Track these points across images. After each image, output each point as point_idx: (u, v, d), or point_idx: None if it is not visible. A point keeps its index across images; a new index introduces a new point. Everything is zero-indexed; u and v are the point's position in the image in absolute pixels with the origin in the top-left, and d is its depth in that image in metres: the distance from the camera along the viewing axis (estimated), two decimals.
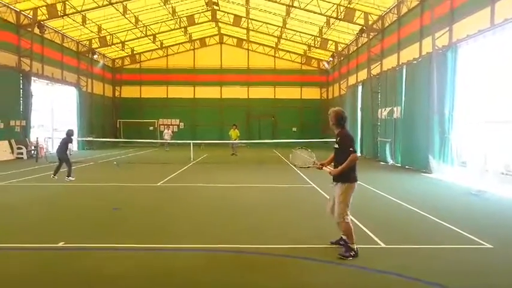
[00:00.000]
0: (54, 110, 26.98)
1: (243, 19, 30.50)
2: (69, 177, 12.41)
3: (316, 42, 30.95)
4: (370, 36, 23.06)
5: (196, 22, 31.44)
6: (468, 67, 13.98)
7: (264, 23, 30.14)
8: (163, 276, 4.70)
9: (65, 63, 28.17)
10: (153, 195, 10.53)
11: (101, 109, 34.13)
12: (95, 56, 31.74)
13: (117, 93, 38.29)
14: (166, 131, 30.35)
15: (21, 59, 22.50)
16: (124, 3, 24.74)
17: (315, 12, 24.08)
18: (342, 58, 31.59)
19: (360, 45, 26.88)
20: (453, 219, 7.39)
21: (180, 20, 30.64)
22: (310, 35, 30.06)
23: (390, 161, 19.32)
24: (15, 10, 22.10)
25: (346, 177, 5.37)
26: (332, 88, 36.21)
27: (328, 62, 34.70)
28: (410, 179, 14.06)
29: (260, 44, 36.58)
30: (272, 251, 5.58)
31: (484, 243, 5.99)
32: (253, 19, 30.13)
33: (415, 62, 17.21)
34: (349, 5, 22.28)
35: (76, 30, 27.47)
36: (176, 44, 36.78)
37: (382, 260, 5.28)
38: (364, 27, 22.76)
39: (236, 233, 6.62)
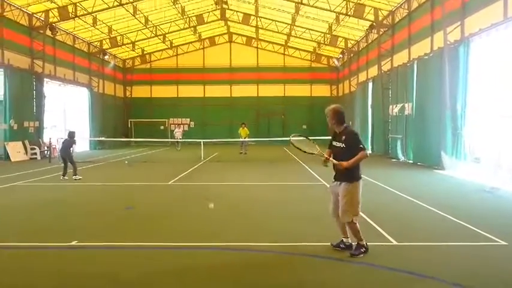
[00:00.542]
0: (66, 111, 27.35)
1: (252, 17, 30.47)
2: (77, 176, 12.55)
3: (325, 39, 30.76)
4: (381, 32, 22.84)
5: (205, 21, 31.52)
6: (481, 61, 13.75)
7: (273, 20, 30.06)
8: (178, 275, 4.73)
9: (76, 64, 28.50)
10: (165, 194, 10.60)
11: (112, 109, 34.45)
12: (106, 57, 32.03)
13: (128, 94, 38.61)
14: (177, 129, 30.55)
15: (34, 60, 22.83)
16: (134, 3, 24.93)
17: (324, 9, 23.95)
18: (351, 55, 31.37)
19: (370, 41, 26.63)
20: (466, 217, 7.29)
21: (190, 19, 30.75)
22: (320, 32, 29.90)
23: (402, 158, 19.14)
24: (27, 13, 22.43)
25: (351, 176, 5.09)
26: (342, 85, 35.99)
27: (338, 59, 34.48)
28: (422, 175, 13.91)
29: (269, 42, 36.51)
30: (281, 249, 5.58)
31: (498, 240, 5.89)
32: (262, 17, 30.07)
33: (426, 57, 17.00)
34: (358, 1, 22.11)
35: (87, 32, 27.77)
36: (186, 44, 36.92)
37: (393, 258, 5.24)
38: (374, 23, 22.55)
39: (248, 231, 6.63)
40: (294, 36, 32.70)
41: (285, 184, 12.04)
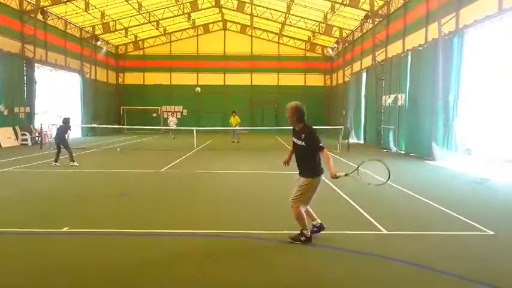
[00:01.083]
0: (57, 97, 27.01)
1: (247, 5, 30.17)
2: (74, 162, 12.50)
3: (320, 28, 30.61)
4: (376, 22, 22.77)
5: (199, 8, 31.16)
6: (474, 53, 13.80)
7: (268, 8, 29.81)
8: (170, 262, 4.76)
9: (68, 49, 28.07)
10: (157, 181, 10.59)
11: (104, 96, 34.12)
12: (98, 43, 31.58)
13: (120, 80, 38.23)
14: (171, 118, 29.59)
15: (25, 45, 22.45)
16: None
17: None
18: (346, 44, 31.28)
19: (364, 31, 26.57)
20: (456, 207, 7.39)
21: (184, 5, 30.35)
22: (315, 21, 29.74)
23: (393, 148, 19.28)
24: None
25: (311, 172, 5.28)
26: (336, 75, 35.94)
27: (332, 49, 34.39)
28: (413, 166, 14.03)
29: (264, 30, 36.24)
30: (267, 237, 5.63)
31: (486, 230, 6.00)
32: (257, 5, 29.79)
33: (420, 48, 17.02)
34: None
35: (79, 17, 27.30)
36: (179, 30, 36.51)
37: (383, 246, 5.32)
38: (370, 13, 22.43)
39: (242, 219, 6.66)
40: (289, 25, 32.48)
41: (277, 173, 12.06)
